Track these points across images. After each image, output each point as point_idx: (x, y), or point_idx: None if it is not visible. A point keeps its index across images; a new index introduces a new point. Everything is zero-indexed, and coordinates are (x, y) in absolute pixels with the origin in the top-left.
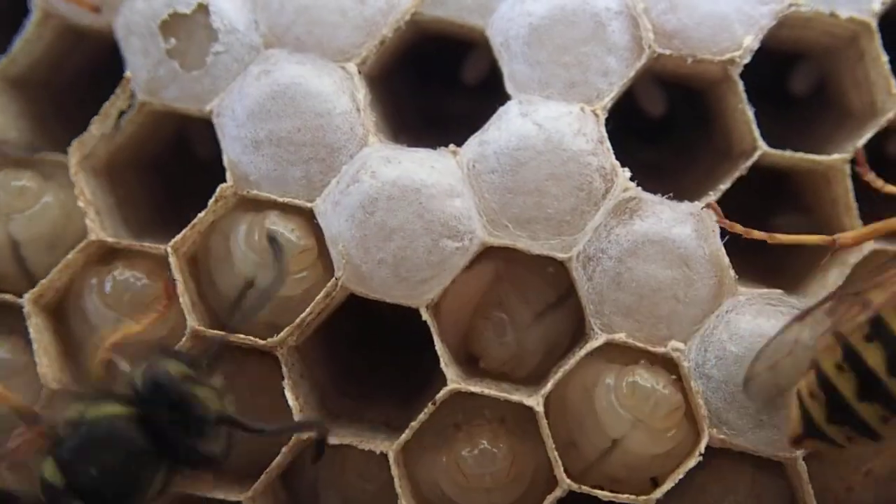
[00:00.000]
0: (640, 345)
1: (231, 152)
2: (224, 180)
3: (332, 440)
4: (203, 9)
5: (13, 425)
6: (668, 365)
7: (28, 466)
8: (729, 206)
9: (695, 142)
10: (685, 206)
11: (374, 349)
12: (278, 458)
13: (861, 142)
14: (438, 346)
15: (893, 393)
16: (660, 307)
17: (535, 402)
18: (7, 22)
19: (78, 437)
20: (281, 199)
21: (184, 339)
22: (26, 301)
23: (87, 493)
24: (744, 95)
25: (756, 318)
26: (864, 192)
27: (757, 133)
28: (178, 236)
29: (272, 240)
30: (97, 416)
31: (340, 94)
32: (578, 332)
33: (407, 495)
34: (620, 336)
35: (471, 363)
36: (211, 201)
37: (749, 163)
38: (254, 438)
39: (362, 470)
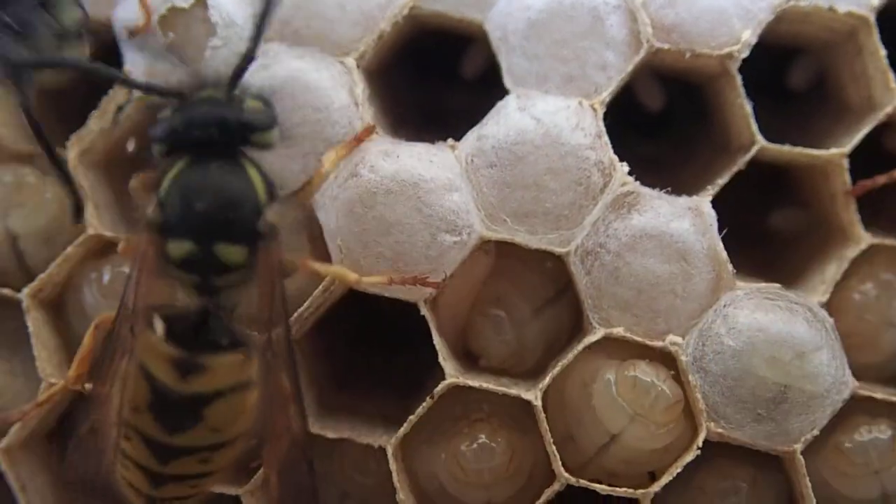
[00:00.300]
0: (639, 339)
1: None
2: None
3: (330, 434)
4: (201, 3)
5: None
6: (666, 359)
7: None
8: (727, 200)
9: (693, 136)
10: (683, 200)
11: (372, 344)
12: None
13: (859, 137)
14: (437, 341)
15: None
16: (658, 301)
17: (533, 396)
18: None
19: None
20: (279, 194)
21: None
22: (25, 295)
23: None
24: (742, 90)
25: (754, 312)
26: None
27: (755, 127)
28: None
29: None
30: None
31: (339, 88)
32: (577, 327)
33: (405, 489)
34: (618, 330)
35: (468, 357)
36: None
37: (747, 157)
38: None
39: (360, 464)
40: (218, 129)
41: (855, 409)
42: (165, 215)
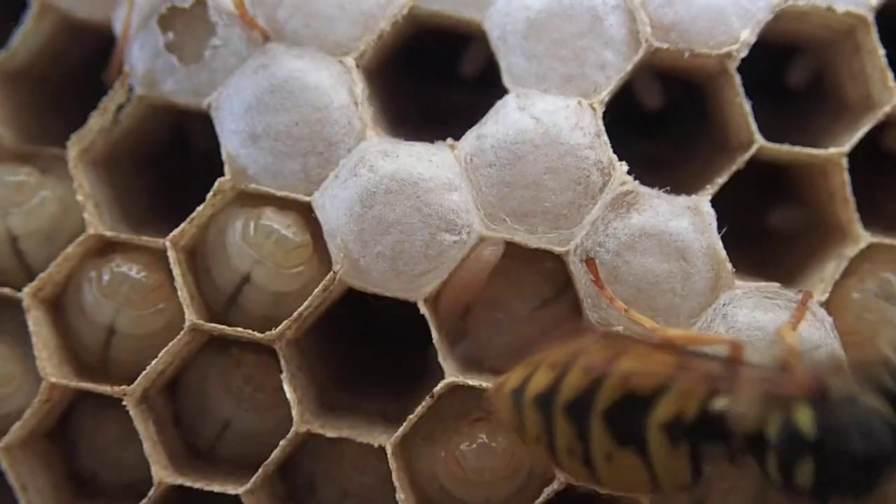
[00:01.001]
0: (638, 338)
1: (229, 146)
2: (222, 174)
3: (330, 433)
4: (201, 3)
5: None
6: None
7: None
8: (726, 199)
9: (693, 135)
10: (682, 199)
11: (372, 342)
12: (276, 452)
13: (858, 136)
14: (436, 340)
15: None
16: (657, 300)
17: None
18: (6, 15)
19: (843, 415)
20: (279, 193)
21: (182, 333)
22: (25, 295)
23: (827, 469)
24: (741, 89)
25: (753, 311)
26: (860, 186)
27: (754, 126)
28: (177, 230)
29: None
30: (868, 406)
31: (338, 87)
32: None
33: (405, 489)
34: (618, 329)
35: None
36: (209, 195)
37: (746, 156)
38: (253, 433)
39: (359, 463)
40: None
41: None
42: (836, 409)
